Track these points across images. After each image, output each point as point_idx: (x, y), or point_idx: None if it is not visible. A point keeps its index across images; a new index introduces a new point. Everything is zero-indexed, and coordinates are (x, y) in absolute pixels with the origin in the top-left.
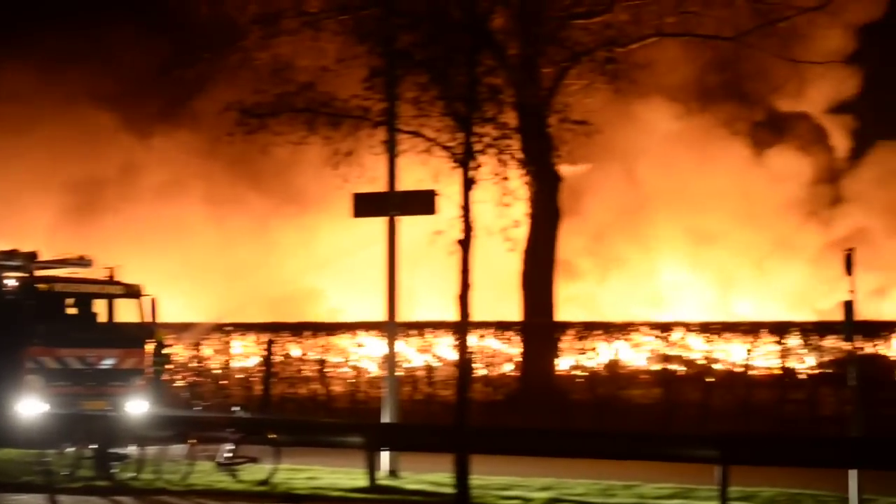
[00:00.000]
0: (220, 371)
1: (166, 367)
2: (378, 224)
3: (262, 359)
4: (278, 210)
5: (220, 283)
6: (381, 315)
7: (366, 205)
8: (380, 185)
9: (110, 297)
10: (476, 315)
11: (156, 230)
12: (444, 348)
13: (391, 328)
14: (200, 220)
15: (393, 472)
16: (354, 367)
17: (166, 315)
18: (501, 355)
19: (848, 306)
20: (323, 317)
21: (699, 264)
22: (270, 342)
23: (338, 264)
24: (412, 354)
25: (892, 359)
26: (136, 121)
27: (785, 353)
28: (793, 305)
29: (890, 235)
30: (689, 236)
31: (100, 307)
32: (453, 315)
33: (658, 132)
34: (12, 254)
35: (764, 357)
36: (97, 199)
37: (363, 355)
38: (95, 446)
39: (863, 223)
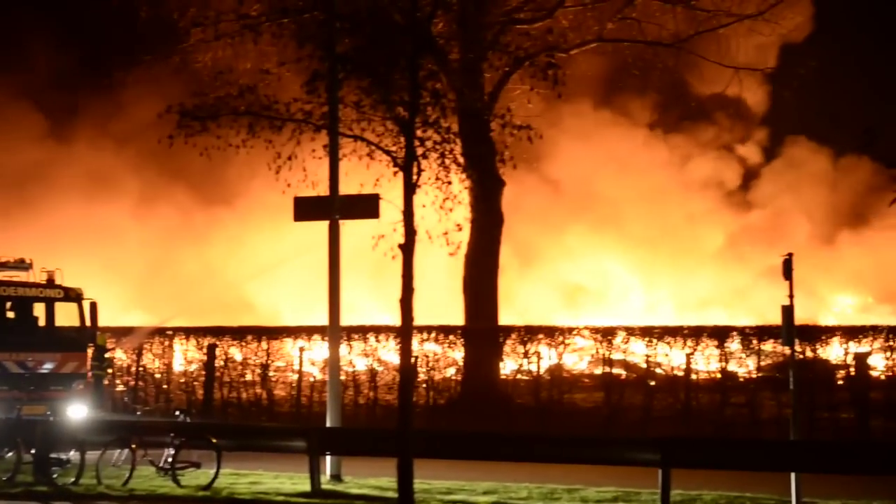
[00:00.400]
0: (161, 375)
1: (107, 371)
2: (308, 227)
3: (203, 363)
4: (207, 210)
5: (144, 286)
6: (322, 319)
7: (308, 208)
8: (320, 189)
9: (50, 301)
10: (421, 319)
11: (77, 232)
12: (388, 352)
13: (334, 332)
14: (126, 222)
15: (336, 477)
16: (297, 372)
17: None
18: (445, 359)
19: (787, 311)
20: (258, 319)
21: (620, 266)
22: (212, 346)
23: (276, 268)
24: (355, 359)
25: (831, 363)
26: (58, 124)
27: (725, 357)
28: (703, 306)
29: (808, 237)
30: (608, 238)
31: (39, 311)
32: (396, 319)
33: (580, 134)
34: None
35: (705, 361)
36: (15, 201)
37: (306, 359)
38: (35, 451)
39: (779, 226)
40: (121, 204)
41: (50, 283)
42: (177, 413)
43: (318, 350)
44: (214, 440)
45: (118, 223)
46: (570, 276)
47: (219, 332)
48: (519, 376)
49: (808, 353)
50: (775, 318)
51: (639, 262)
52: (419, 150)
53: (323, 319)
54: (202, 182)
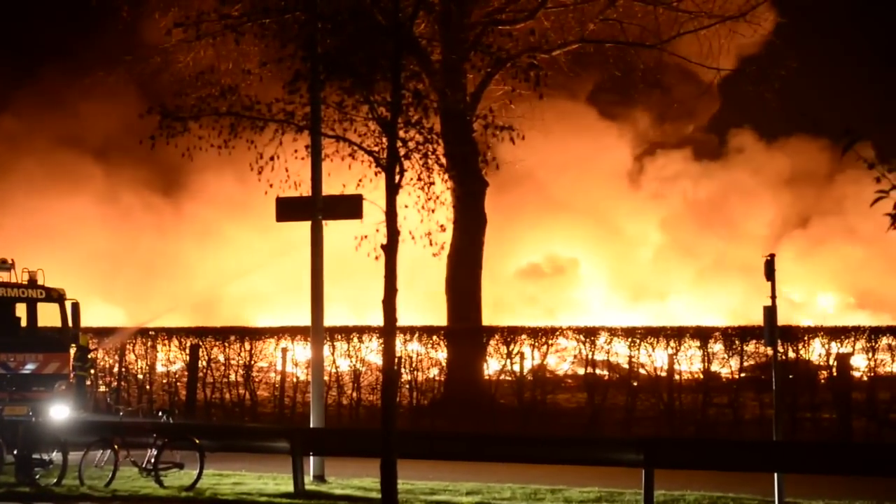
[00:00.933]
0: (143, 376)
1: (89, 371)
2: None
3: (186, 363)
4: (171, 205)
5: (105, 281)
6: (305, 319)
7: (290, 209)
8: (303, 190)
9: (32, 302)
10: (404, 319)
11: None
12: (371, 353)
13: (317, 333)
14: (88, 216)
15: (319, 477)
16: (280, 372)
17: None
18: (428, 360)
19: (769, 311)
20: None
21: (573, 259)
22: (195, 346)
23: (256, 269)
24: (339, 359)
25: (814, 364)
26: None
27: (708, 358)
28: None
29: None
30: (564, 233)
31: (21, 311)
32: (352, 318)
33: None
34: None
35: (687, 361)
36: None
37: (290, 360)
38: (17, 452)
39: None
40: (82, 198)
41: (32, 283)
42: (160, 414)
43: (302, 350)
44: (197, 441)
45: (78, 218)
46: (525, 273)
47: (201, 332)
48: (502, 377)
49: (791, 354)
50: (724, 308)
51: (594, 256)
52: (402, 151)
53: (301, 320)
54: (163, 178)
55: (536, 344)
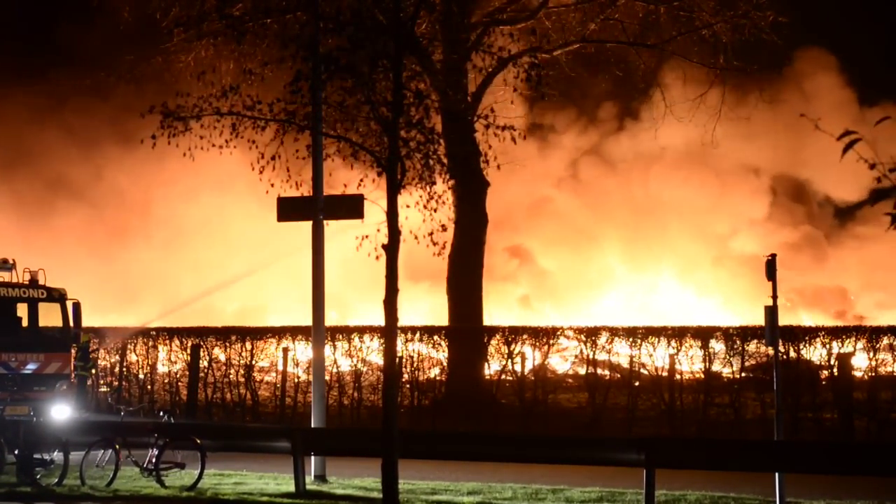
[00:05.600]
0: (145, 375)
1: (91, 371)
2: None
3: (187, 363)
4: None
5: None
6: (306, 319)
7: (291, 209)
8: (304, 190)
9: (33, 301)
10: (405, 319)
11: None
12: (372, 353)
13: (318, 332)
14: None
15: (320, 477)
16: (281, 372)
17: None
18: (429, 360)
19: (770, 311)
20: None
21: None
22: (196, 346)
23: (256, 269)
24: (340, 359)
25: (815, 363)
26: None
27: (709, 358)
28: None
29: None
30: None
31: (22, 311)
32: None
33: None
34: None
35: (689, 361)
36: None
37: (291, 360)
38: (18, 452)
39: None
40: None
41: (33, 283)
42: (161, 413)
43: (303, 350)
44: (198, 441)
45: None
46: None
47: (203, 332)
48: (503, 376)
49: (792, 354)
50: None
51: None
52: (403, 151)
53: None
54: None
55: (537, 344)
